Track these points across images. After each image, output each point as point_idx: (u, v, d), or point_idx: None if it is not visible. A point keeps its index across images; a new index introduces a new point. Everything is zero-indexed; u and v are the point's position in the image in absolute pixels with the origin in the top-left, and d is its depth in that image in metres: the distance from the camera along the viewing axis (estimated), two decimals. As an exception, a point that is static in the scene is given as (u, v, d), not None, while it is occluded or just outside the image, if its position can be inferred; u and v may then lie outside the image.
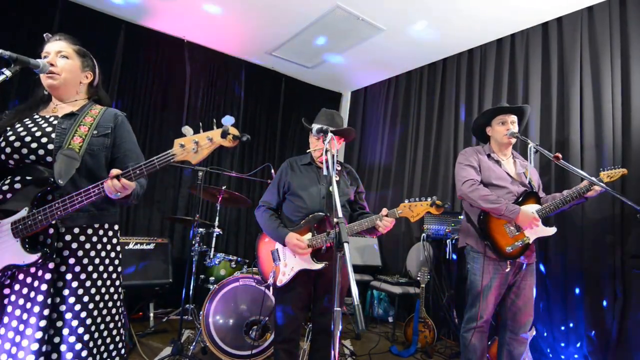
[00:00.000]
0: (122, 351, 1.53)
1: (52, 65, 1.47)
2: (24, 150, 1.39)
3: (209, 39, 4.49)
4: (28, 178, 1.38)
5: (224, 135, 1.25)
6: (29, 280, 1.35)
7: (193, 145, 1.28)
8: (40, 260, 1.31)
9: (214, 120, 1.29)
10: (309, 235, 2.06)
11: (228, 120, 1.26)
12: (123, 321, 1.56)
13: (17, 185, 1.37)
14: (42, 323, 1.30)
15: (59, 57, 1.50)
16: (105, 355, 1.45)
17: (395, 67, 4.86)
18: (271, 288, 2.14)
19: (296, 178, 2.19)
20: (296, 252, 2.02)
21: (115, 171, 1.31)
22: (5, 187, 1.37)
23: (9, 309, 1.33)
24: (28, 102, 1.56)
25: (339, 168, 2.28)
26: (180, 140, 1.29)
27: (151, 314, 3.63)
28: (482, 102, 3.90)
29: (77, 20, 3.79)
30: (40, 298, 1.32)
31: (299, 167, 2.26)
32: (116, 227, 1.58)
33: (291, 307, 2.08)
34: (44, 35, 1.56)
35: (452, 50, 4.23)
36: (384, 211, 1.99)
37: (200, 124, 1.32)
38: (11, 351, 1.29)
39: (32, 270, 1.34)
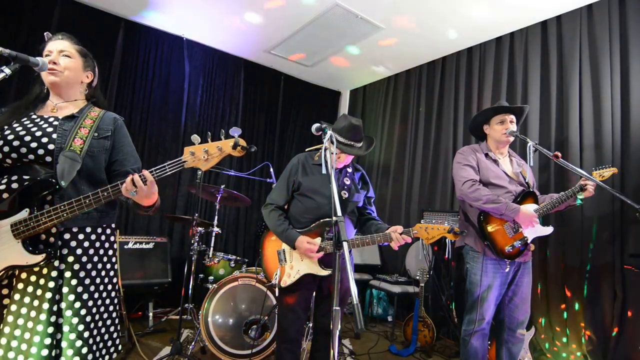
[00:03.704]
0: (120, 347, 1.57)
1: (54, 63, 1.48)
2: (23, 150, 1.38)
3: (207, 37, 4.48)
4: (25, 177, 1.37)
5: (235, 146, 1.35)
6: (33, 278, 1.35)
7: (203, 154, 1.36)
8: (43, 261, 1.32)
9: (222, 131, 1.38)
10: (318, 240, 2.02)
11: (236, 131, 1.36)
12: (118, 319, 1.57)
13: (14, 185, 1.36)
14: (53, 318, 1.33)
15: (62, 56, 1.51)
16: (104, 352, 1.48)
17: (394, 66, 4.85)
18: (276, 289, 2.11)
19: (307, 178, 2.11)
20: (307, 256, 1.99)
21: (146, 173, 1.35)
22: (1, 187, 1.36)
23: (14, 308, 1.33)
24: (25, 100, 1.55)
25: (350, 170, 2.22)
26: (191, 148, 1.37)
27: (150, 314, 3.62)
28: (481, 100, 3.90)
29: (76, 18, 3.78)
30: (49, 295, 1.33)
31: (310, 166, 2.16)
32: (113, 225, 1.60)
33: (295, 308, 2.06)
34: (45, 34, 1.56)
35: (451, 48, 4.23)
36: (399, 229, 1.95)
37: (209, 133, 1.41)
38: (21, 347, 1.30)
39: (37, 268, 1.35)
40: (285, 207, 2.21)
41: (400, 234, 1.92)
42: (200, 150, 1.36)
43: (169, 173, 1.37)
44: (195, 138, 1.36)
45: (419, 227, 1.95)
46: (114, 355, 1.53)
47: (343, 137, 2.04)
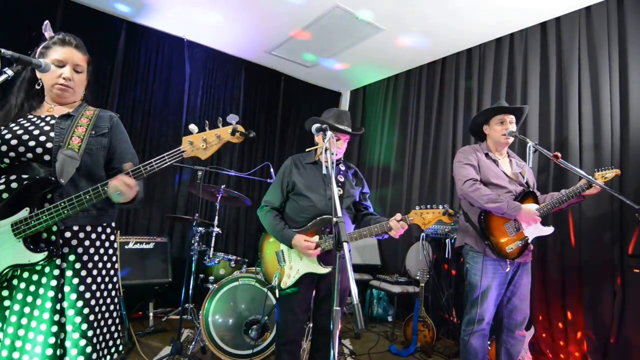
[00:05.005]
0: (121, 347, 1.57)
1: (69, 79, 1.48)
2: (21, 149, 1.38)
3: (208, 38, 4.49)
4: (24, 177, 1.38)
5: (234, 133, 1.34)
6: (35, 277, 1.36)
7: (202, 143, 1.36)
8: (45, 259, 1.32)
9: (220, 119, 1.37)
10: (316, 238, 2.02)
11: (233, 118, 1.35)
12: (119, 319, 1.58)
13: (14, 185, 1.37)
14: (56, 317, 1.34)
15: (75, 73, 1.51)
16: (105, 351, 1.49)
17: (394, 66, 4.86)
18: (276, 291, 2.11)
19: (301, 177, 2.13)
20: (306, 253, 1.99)
21: (128, 165, 1.35)
22: (0, 187, 1.37)
23: (17, 307, 1.33)
24: (13, 105, 1.51)
25: (343, 168, 2.23)
26: (189, 137, 1.37)
27: (150, 314, 3.63)
28: (481, 101, 3.91)
29: (78, 20, 3.79)
30: (51, 294, 1.34)
31: (303, 165, 2.18)
32: (113, 224, 1.60)
33: (295, 309, 2.05)
34: (45, 23, 1.53)
35: (451, 49, 4.24)
36: (398, 216, 1.96)
37: (207, 121, 1.39)
38: (25, 347, 1.30)
39: (38, 267, 1.35)
40: (282, 209, 2.21)
41: (398, 221, 1.93)
42: (199, 139, 1.36)
43: (169, 163, 1.36)
44: (193, 128, 1.36)
45: (414, 213, 1.96)
46: (115, 355, 1.54)
47: (336, 122, 2.12)
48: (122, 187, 1.31)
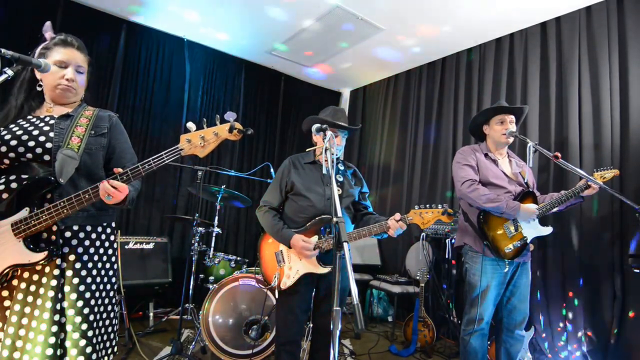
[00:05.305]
0: (115, 348, 1.58)
1: (72, 80, 1.49)
2: (21, 149, 1.39)
3: (208, 38, 4.49)
4: (24, 177, 1.38)
5: (231, 130, 1.34)
6: (35, 277, 1.36)
7: (200, 140, 1.36)
8: (45, 259, 1.33)
9: (217, 116, 1.36)
10: (315, 238, 2.01)
11: (231, 116, 1.35)
12: (116, 320, 1.59)
13: (14, 185, 1.37)
14: (56, 317, 1.34)
15: (77, 73, 1.52)
16: (103, 352, 1.49)
17: (394, 66, 4.86)
18: (276, 291, 2.10)
19: (299, 177, 2.12)
20: (303, 254, 1.98)
21: (117, 170, 1.35)
22: (0, 187, 1.37)
23: (17, 307, 1.33)
24: (13, 107, 1.52)
25: (342, 167, 2.23)
26: (187, 135, 1.36)
27: (151, 314, 3.63)
28: (481, 101, 3.91)
29: (78, 20, 3.79)
30: (51, 293, 1.34)
31: (302, 165, 2.18)
32: (113, 224, 1.61)
33: (294, 310, 2.04)
34: (47, 24, 1.54)
35: (451, 49, 4.24)
36: (397, 216, 1.96)
37: (205, 119, 1.39)
38: (26, 347, 1.31)
39: (39, 267, 1.36)
40: (280, 209, 2.20)
41: (397, 221, 1.94)
42: (197, 137, 1.35)
43: (167, 161, 1.36)
44: (191, 126, 1.36)
45: (413, 213, 1.97)
46: (111, 356, 1.54)
47: (332, 119, 2.12)
48: (110, 190, 1.31)
